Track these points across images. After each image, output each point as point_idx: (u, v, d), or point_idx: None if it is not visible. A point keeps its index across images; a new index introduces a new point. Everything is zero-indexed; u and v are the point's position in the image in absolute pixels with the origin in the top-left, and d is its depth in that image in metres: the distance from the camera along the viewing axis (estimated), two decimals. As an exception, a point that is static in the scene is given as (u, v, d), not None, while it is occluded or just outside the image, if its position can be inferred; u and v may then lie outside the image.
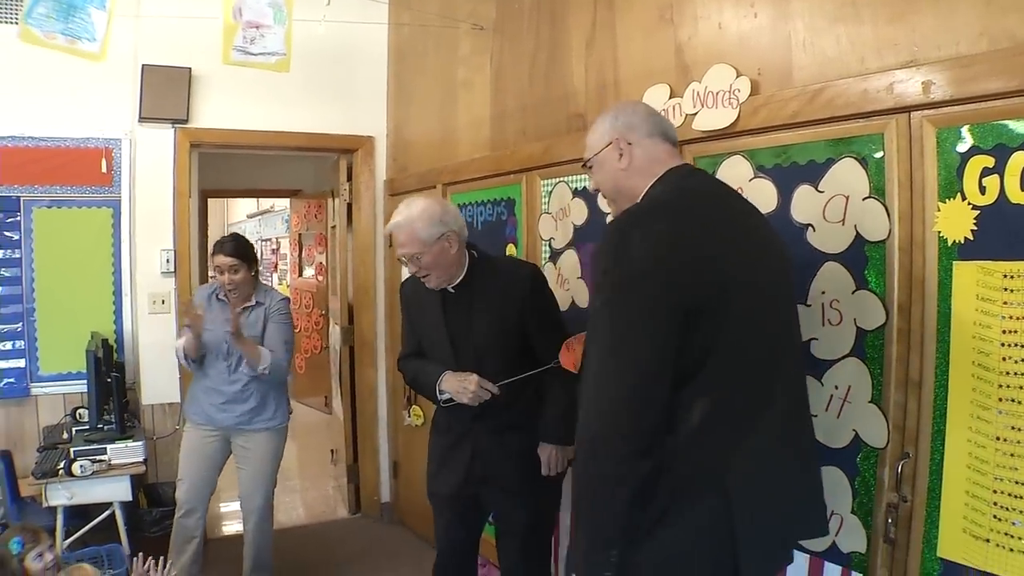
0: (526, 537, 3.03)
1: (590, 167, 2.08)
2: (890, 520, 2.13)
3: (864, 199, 2.20)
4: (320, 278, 8.31)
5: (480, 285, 2.95)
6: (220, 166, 5.79)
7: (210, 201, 8.59)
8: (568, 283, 3.31)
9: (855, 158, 2.22)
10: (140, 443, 4.17)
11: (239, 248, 3.85)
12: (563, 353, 2.82)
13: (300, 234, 8.86)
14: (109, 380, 4.25)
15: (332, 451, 6.13)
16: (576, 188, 3.27)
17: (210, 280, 4.43)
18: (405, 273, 3.16)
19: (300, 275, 8.96)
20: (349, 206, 5.42)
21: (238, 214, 11.66)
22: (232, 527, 5.24)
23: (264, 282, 4.14)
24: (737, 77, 2.58)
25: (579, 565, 1.77)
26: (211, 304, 3.92)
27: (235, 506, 5.53)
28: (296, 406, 7.04)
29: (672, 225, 1.79)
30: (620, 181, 2.01)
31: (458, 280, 2.95)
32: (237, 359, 3.84)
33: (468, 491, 3.05)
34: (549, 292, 3.09)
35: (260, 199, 10.53)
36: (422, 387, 3.10)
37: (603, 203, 3.05)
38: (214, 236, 10.77)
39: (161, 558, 2.96)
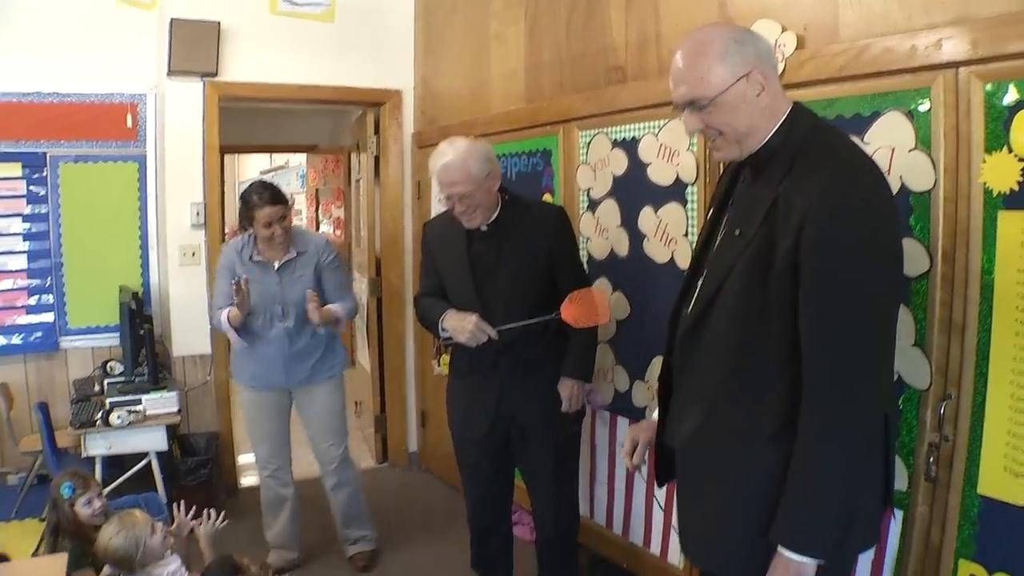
0: (554, 477, 3.10)
1: (702, 107, 1.80)
2: (931, 459, 2.16)
3: (910, 151, 2.21)
4: (338, 232, 8.33)
5: (511, 224, 2.99)
6: (236, 122, 5.78)
7: (223, 158, 8.57)
8: (607, 232, 3.34)
9: (901, 111, 2.24)
10: (174, 394, 4.25)
11: (279, 194, 3.62)
12: (566, 305, 2.87)
13: (317, 189, 8.87)
14: (141, 332, 4.31)
15: (356, 403, 6.18)
16: (615, 139, 3.28)
17: (226, 239, 4.43)
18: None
19: (317, 230, 9.00)
20: (376, 159, 5.42)
21: (251, 171, 11.63)
22: (252, 479, 5.31)
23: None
24: (783, 32, 2.58)
25: (824, 539, 1.69)
26: (249, 264, 3.70)
27: (252, 458, 5.67)
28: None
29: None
30: (756, 119, 1.78)
31: (491, 219, 2.99)
32: (295, 318, 3.64)
33: (497, 433, 3.10)
34: (574, 234, 3.16)
35: (273, 155, 10.52)
36: (429, 325, 3.15)
37: (654, 158, 3.11)
38: (229, 192, 10.84)
39: (207, 510, 3.02)
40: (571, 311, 2.86)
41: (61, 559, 2.52)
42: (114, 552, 2.70)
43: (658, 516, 3.20)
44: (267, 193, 3.56)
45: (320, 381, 3.78)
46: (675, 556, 3.14)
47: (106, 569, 2.77)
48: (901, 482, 2.25)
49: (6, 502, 4.57)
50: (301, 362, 3.71)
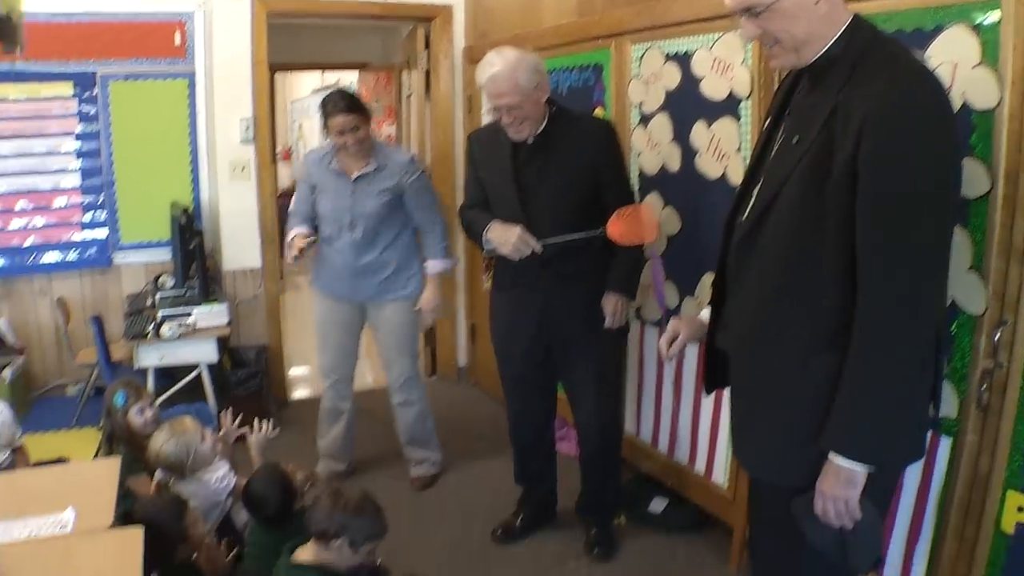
0: (596, 392, 3.09)
1: (758, 13, 1.74)
2: (984, 386, 2.09)
3: (974, 67, 2.07)
4: (390, 149, 8.27)
5: (558, 137, 2.92)
6: (286, 39, 5.74)
7: (274, 77, 8.54)
8: (659, 147, 3.26)
9: (966, 25, 2.10)
10: (224, 306, 4.32)
11: (355, 103, 3.52)
12: (613, 220, 2.81)
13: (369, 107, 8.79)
14: (192, 247, 4.36)
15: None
16: (668, 53, 3.17)
17: (278, 158, 4.41)
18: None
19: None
20: (427, 75, 5.34)
21: (302, 89, 11.59)
22: (302, 392, 5.43)
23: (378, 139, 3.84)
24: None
25: (886, 444, 1.71)
26: (327, 172, 3.65)
27: (304, 370, 5.79)
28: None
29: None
30: (815, 27, 1.73)
31: (538, 132, 2.93)
32: (363, 231, 3.61)
33: (539, 346, 3.10)
34: (622, 149, 3.09)
35: (324, 73, 10.44)
36: (473, 236, 3.13)
37: (707, 72, 3.00)
38: (280, 111, 10.82)
39: (258, 419, 3.07)
40: (617, 227, 2.81)
41: (115, 462, 2.58)
42: (165, 458, 2.78)
43: (704, 435, 3.18)
44: (342, 102, 3.49)
45: (391, 299, 3.74)
46: (720, 475, 3.12)
47: (158, 474, 2.86)
48: (951, 409, 2.19)
49: (66, 412, 4.73)
50: (368, 277, 3.68)
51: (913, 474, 2.33)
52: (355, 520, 2.29)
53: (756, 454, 1.95)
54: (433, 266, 3.75)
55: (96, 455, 2.84)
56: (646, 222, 2.86)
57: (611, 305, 2.96)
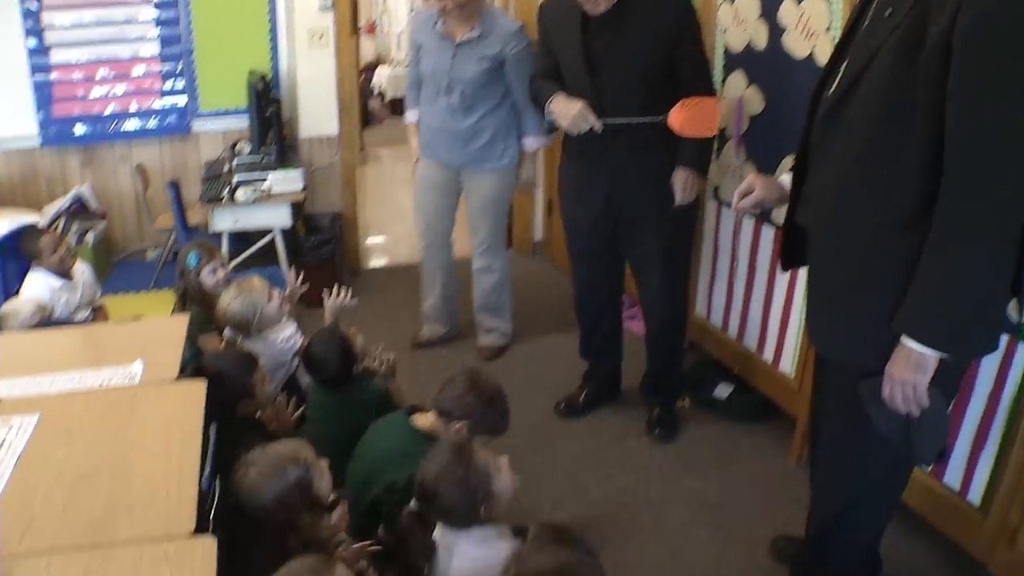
0: (662, 269, 3.02)
1: None
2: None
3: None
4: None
5: (633, 11, 2.75)
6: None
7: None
8: (745, 24, 3.06)
9: None
10: (299, 172, 4.33)
11: None
12: (676, 110, 2.69)
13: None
14: (268, 114, 4.35)
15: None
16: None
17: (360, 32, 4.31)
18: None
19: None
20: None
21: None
22: (377, 261, 5.48)
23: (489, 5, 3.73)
24: None
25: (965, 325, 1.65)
26: (431, 33, 3.56)
27: (381, 240, 5.83)
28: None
29: None
30: None
31: (612, 3, 2.77)
32: (460, 96, 3.53)
33: (606, 218, 3.03)
34: (699, 27, 2.92)
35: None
36: (539, 106, 3.04)
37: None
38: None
39: (336, 285, 3.10)
40: (680, 117, 2.69)
41: (183, 319, 2.65)
42: (232, 316, 2.84)
43: (774, 322, 3.10)
44: None
45: (486, 168, 3.69)
46: (787, 365, 3.05)
47: (226, 332, 2.92)
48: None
49: (144, 275, 4.90)
50: (464, 144, 3.63)
51: (986, 377, 2.23)
52: (483, 410, 2.30)
53: (828, 332, 1.90)
54: (529, 143, 3.68)
55: (171, 315, 2.93)
56: (709, 116, 2.73)
57: (681, 181, 2.85)
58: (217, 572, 1.89)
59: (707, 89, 2.84)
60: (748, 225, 3.16)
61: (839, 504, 2.01)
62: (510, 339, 4.10)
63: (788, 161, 2.75)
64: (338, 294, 3.04)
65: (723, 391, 3.41)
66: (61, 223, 4.66)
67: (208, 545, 1.58)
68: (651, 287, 3.09)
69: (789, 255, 2.09)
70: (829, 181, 1.82)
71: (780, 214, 2.64)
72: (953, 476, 2.39)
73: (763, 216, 3.04)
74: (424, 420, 2.36)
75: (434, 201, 3.86)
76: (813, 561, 2.16)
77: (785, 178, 2.08)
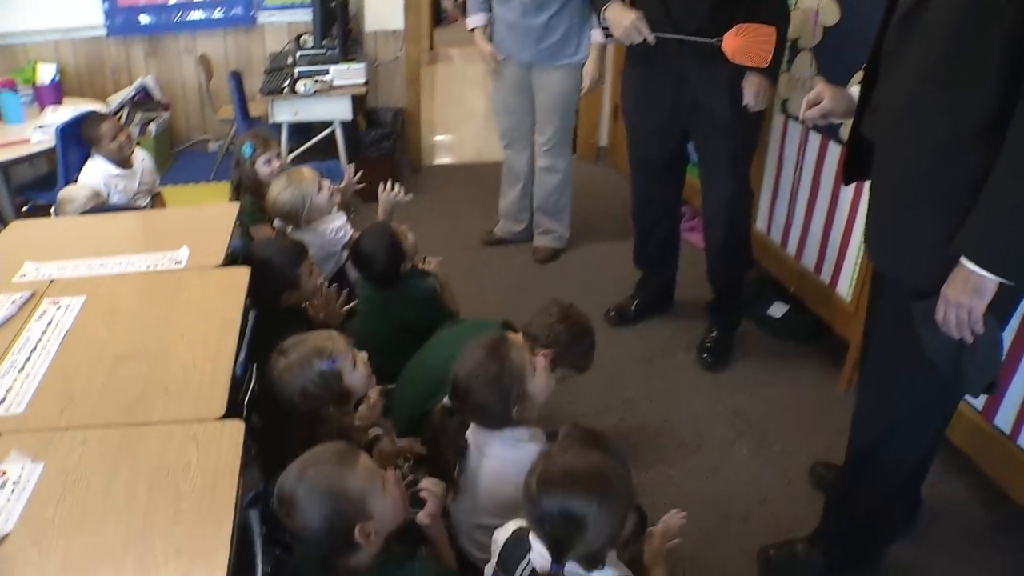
0: (726, 179, 2.91)
1: None
2: None
3: None
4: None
5: None
6: None
7: None
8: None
9: None
10: (362, 66, 4.27)
11: None
12: (731, 34, 2.55)
13: None
14: (333, 5, 4.28)
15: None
16: None
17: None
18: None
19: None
20: None
21: None
22: (443, 159, 5.44)
23: None
24: None
25: None
26: None
27: (446, 138, 5.78)
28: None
29: None
30: None
31: None
32: None
33: (671, 124, 2.92)
34: None
35: None
36: (595, 9, 2.95)
37: None
38: None
39: (390, 180, 3.07)
40: (733, 43, 2.54)
41: (233, 207, 2.68)
42: (282, 206, 2.84)
43: (834, 243, 2.99)
44: None
45: (557, 65, 3.62)
46: (844, 287, 2.95)
47: (277, 222, 2.93)
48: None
49: (205, 166, 4.97)
50: (538, 40, 3.55)
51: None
52: (571, 343, 2.29)
53: (886, 247, 1.82)
54: (597, 35, 3.56)
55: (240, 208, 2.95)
56: (764, 46, 2.55)
57: (753, 86, 2.71)
58: (254, 455, 1.97)
59: (774, 10, 2.66)
60: (815, 140, 3.03)
61: (879, 428, 1.94)
62: (566, 244, 4.07)
63: (860, 75, 2.61)
64: (391, 188, 3.01)
65: (778, 310, 3.33)
66: (125, 113, 4.71)
67: (236, 428, 1.61)
68: (714, 197, 2.98)
69: (852, 168, 2.00)
70: (899, 90, 1.71)
71: (848, 131, 2.51)
72: (1004, 418, 2.30)
73: (830, 132, 2.90)
74: (515, 339, 2.34)
75: (512, 100, 3.81)
76: (848, 490, 2.11)
77: (855, 90, 1.97)
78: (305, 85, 4.07)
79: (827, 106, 1.98)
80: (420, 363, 2.42)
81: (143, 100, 4.91)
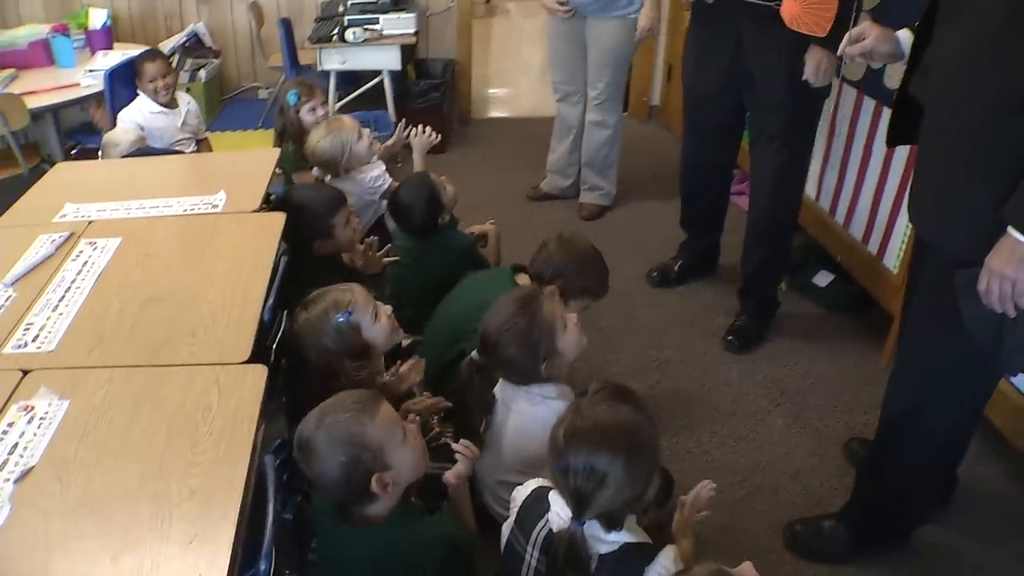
0: (781, 148, 2.78)
1: None
2: None
3: None
4: None
5: None
6: None
7: None
8: None
9: None
10: (412, 16, 4.25)
11: None
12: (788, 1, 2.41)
13: None
14: (384, -50, 4.25)
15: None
16: None
17: None
18: None
19: None
20: None
21: None
22: (496, 112, 5.39)
23: None
24: None
25: None
26: None
27: (499, 92, 5.72)
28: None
29: None
30: None
31: None
32: None
33: (728, 88, 2.81)
34: None
35: None
36: None
37: None
38: None
39: (428, 128, 3.04)
40: (792, 8, 2.40)
41: (272, 153, 2.68)
42: (321, 154, 2.83)
43: (883, 213, 2.89)
44: None
45: (611, 16, 3.56)
46: (892, 259, 2.86)
47: (315, 171, 2.93)
48: None
49: (254, 113, 4.99)
50: None
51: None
52: (576, 270, 2.25)
53: (930, 212, 1.74)
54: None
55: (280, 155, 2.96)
56: (825, 13, 2.40)
57: (815, 60, 2.57)
58: (284, 402, 1.98)
59: None
60: (868, 106, 2.92)
61: (912, 401, 1.88)
62: (612, 201, 4.03)
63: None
64: (423, 131, 2.98)
65: (823, 279, 3.25)
66: (176, 59, 4.73)
67: (259, 373, 1.61)
68: (765, 166, 2.86)
69: (897, 130, 1.92)
70: (953, 51, 1.62)
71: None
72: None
73: (884, 98, 2.80)
74: (524, 280, 2.32)
75: (565, 53, 3.76)
76: (879, 465, 2.05)
77: (903, 34, 1.88)
78: (354, 34, 4.05)
79: (869, 44, 1.89)
80: (441, 315, 2.41)
81: (194, 47, 4.93)
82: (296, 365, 1.92)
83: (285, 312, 2.16)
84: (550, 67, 3.89)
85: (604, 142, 3.85)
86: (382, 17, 4.17)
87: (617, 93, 3.79)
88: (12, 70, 3.99)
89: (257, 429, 1.49)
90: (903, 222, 2.78)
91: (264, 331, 1.88)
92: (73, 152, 4.01)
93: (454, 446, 1.79)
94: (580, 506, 1.46)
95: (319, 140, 2.81)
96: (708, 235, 3.37)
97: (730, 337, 3.04)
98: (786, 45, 2.57)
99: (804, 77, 2.60)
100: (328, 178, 2.87)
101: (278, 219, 2.22)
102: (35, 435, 1.47)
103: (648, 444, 1.49)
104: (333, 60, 4.16)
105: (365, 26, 4.10)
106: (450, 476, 1.79)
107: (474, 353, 1.96)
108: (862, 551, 2.13)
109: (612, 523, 1.48)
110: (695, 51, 2.93)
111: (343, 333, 1.88)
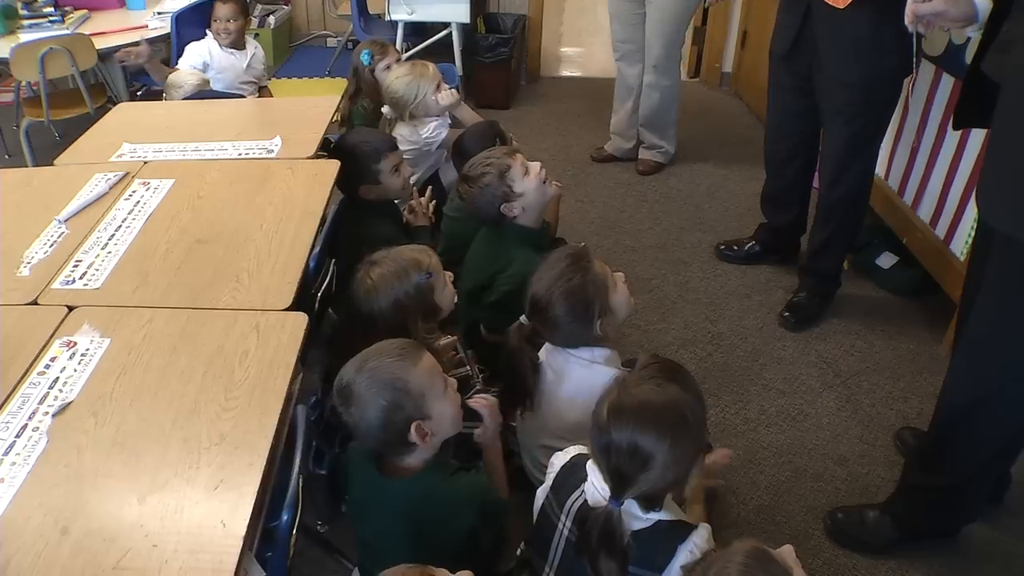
0: (849, 120, 2.63)
1: None
2: None
3: None
4: None
5: None
6: None
7: None
8: None
9: None
10: (483, -32, 4.18)
11: None
12: None
13: None
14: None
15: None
16: None
17: None
18: None
19: None
20: None
21: None
22: (566, 71, 5.31)
23: None
24: None
25: None
26: None
27: (571, 50, 5.63)
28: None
29: None
30: None
31: None
32: None
33: (801, 52, 2.65)
34: None
35: None
36: None
37: None
38: None
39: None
40: None
41: (332, 101, 2.69)
42: (394, 92, 2.85)
43: (953, 196, 2.76)
44: None
45: None
46: (959, 244, 2.74)
47: (386, 110, 2.96)
48: None
49: (323, 61, 4.99)
50: None
51: None
52: None
53: (1000, 198, 1.63)
54: None
55: (339, 105, 2.95)
56: None
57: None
58: (320, 350, 1.98)
59: None
60: (946, 84, 2.78)
61: (973, 397, 1.79)
62: (671, 159, 4.00)
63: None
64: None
65: (886, 260, 3.13)
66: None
67: (298, 321, 1.61)
68: (834, 145, 2.72)
69: (966, 111, 1.82)
70: None
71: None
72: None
73: (965, 75, 2.64)
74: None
75: (624, 10, 3.71)
76: (934, 458, 1.96)
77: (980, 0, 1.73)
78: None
79: (939, 6, 1.74)
80: (465, 274, 2.35)
81: (265, -8, 4.94)
82: (356, 315, 1.89)
83: (332, 261, 2.17)
84: (611, 25, 3.84)
85: (661, 103, 3.81)
86: (454, -33, 4.11)
87: (674, 54, 3.73)
88: (84, 11, 4.03)
89: (293, 378, 1.49)
90: (973, 207, 2.65)
91: (309, 279, 1.88)
92: (138, 93, 4.06)
93: (469, 402, 1.74)
94: (620, 485, 1.39)
95: (397, 78, 2.83)
96: (784, 213, 3.15)
97: (787, 313, 2.95)
98: (851, 31, 2.44)
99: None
100: (395, 121, 2.88)
101: (331, 166, 2.20)
102: (75, 371, 1.49)
103: (696, 426, 1.42)
104: (401, 10, 4.11)
105: (435, -24, 4.06)
106: (480, 435, 1.76)
107: (523, 317, 1.92)
108: (905, 545, 2.06)
109: (651, 504, 1.43)
110: (790, 20, 2.72)
111: (423, 292, 1.86)
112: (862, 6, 2.34)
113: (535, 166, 2.24)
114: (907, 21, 1.80)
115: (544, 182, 2.25)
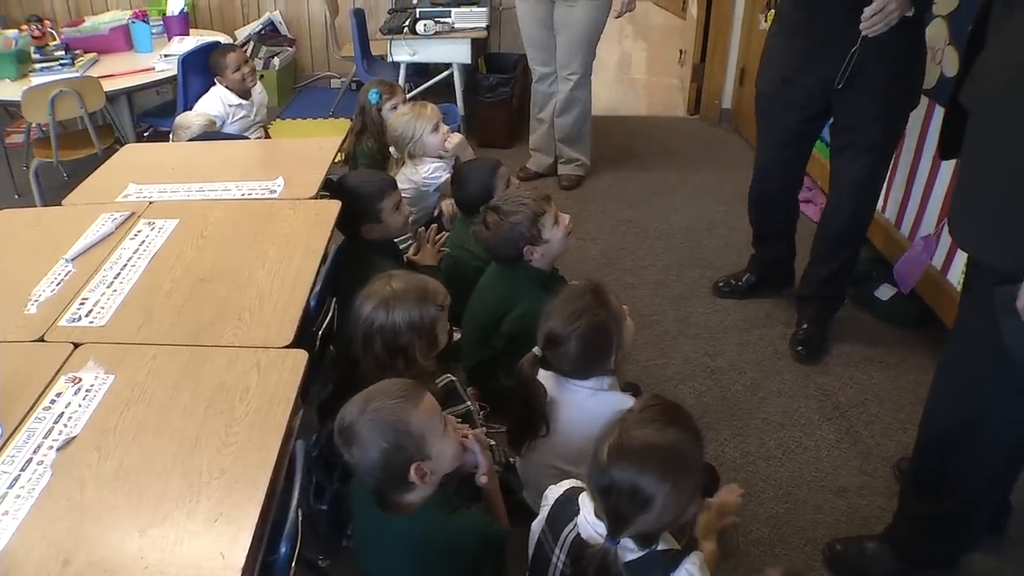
0: (875, 157, 2.65)
1: None
2: None
3: None
4: None
5: None
6: None
7: None
8: None
9: None
10: (484, 10, 4.27)
11: None
12: None
13: None
14: (459, -53, 4.28)
15: (681, 51, 5.90)
16: None
17: None
18: None
19: None
20: None
21: None
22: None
23: None
24: None
25: None
26: None
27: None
28: (650, 8, 6.83)
29: None
30: None
31: None
32: None
33: (819, 101, 2.65)
34: None
35: None
36: None
37: None
38: None
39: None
40: None
41: (334, 142, 2.72)
42: (393, 130, 2.95)
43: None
44: None
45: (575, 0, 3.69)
46: (956, 273, 2.77)
47: (393, 151, 3.06)
48: None
49: (326, 102, 5.07)
50: None
51: None
52: None
53: (969, 224, 1.65)
54: None
55: (343, 143, 3.00)
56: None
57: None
58: (322, 386, 2.00)
59: None
60: (938, 115, 2.83)
61: (956, 419, 1.80)
62: (587, 171, 4.18)
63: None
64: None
65: (885, 292, 3.15)
66: (251, 46, 4.84)
67: (299, 357, 1.64)
68: (851, 179, 2.71)
69: (949, 142, 1.82)
70: (998, 60, 1.55)
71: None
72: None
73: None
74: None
75: (539, 36, 3.88)
76: (923, 485, 1.97)
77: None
78: (425, 26, 4.10)
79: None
80: (470, 312, 2.40)
81: (269, 35, 5.03)
82: (356, 339, 1.88)
83: (334, 300, 2.20)
84: (525, 48, 4.01)
85: (577, 117, 3.99)
86: (454, 11, 4.19)
87: (588, 70, 3.92)
88: (94, 54, 4.12)
89: (293, 413, 1.52)
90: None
91: (310, 317, 1.91)
92: (145, 134, 4.13)
93: (462, 440, 1.76)
94: (617, 525, 1.41)
95: (398, 116, 2.94)
96: (779, 245, 3.20)
97: (800, 348, 2.95)
98: (896, 47, 2.43)
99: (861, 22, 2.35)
100: (399, 163, 2.98)
101: (333, 206, 2.25)
102: (80, 406, 1.52)
103: (695, 468, 1.44)
104: (403, 52, 4.19)
105: (436, 19, 4.14)
106: (481, 478, 1.77)
107: (536, 349, 1.93)
108: (905, 574, 2.06)
109: (647, 542, 1.44)
110: (782, 58, 2.73)
111: (430, 321, 1.88)
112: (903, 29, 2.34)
113: (565, 218, 2.31)
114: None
115: (568, 234, 2.31)
